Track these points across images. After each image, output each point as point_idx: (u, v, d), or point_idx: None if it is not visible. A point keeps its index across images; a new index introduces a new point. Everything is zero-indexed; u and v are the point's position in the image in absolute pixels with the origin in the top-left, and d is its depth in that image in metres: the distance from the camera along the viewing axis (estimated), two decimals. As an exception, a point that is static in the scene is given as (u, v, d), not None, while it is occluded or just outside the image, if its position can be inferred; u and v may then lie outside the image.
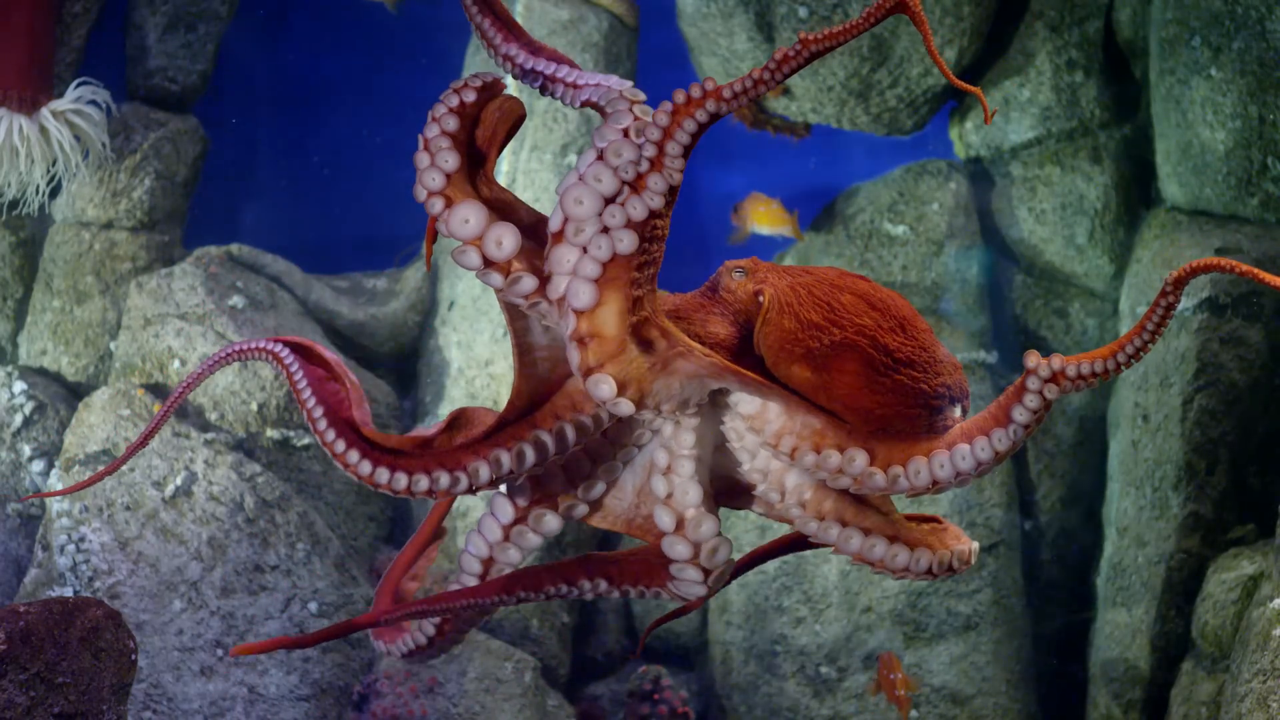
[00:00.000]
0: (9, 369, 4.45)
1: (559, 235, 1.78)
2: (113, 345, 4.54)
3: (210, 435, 4.23)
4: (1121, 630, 4.32)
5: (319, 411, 1.90)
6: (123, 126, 4.55)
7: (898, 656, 4.15)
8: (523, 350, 1.90)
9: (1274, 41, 4.12)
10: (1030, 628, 4.61)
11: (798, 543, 2.03)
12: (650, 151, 1.72)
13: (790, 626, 4.54)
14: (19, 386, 4.39)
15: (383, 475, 1.86)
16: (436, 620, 2.11)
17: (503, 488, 1.96)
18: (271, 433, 4.36)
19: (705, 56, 4.80)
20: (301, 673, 4.09)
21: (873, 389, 1.82)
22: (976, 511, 4.52)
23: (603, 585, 1.94)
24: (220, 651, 4.03)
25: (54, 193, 4.45)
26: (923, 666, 4.44)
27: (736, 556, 1.95)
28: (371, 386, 4.69)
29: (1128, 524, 4.36)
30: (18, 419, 4.35)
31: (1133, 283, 4.54)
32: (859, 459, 1.81)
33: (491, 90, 1.87)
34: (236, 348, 1.98)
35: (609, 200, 1.75)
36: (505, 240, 1.80)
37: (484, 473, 1.86)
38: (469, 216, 1.80)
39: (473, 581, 1.98)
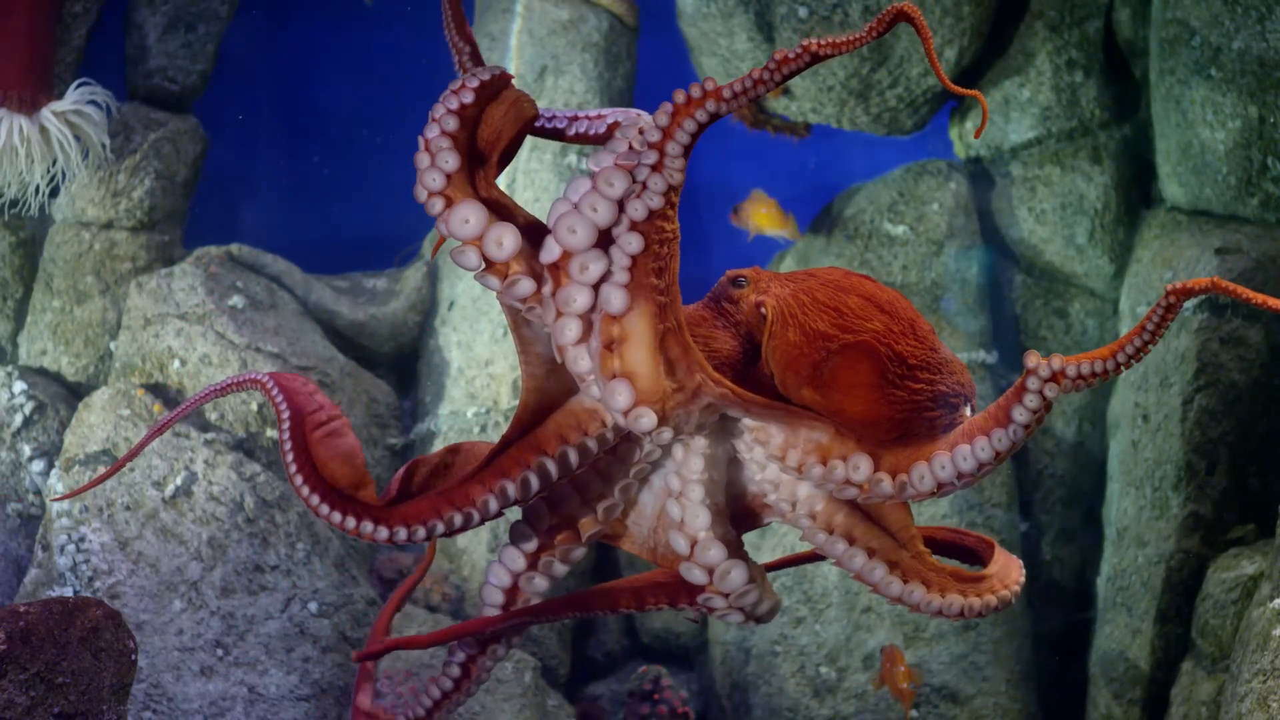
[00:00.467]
0: (9, 369, 4.45)
1: (567, 255, 1.77)
2: (113, 345, 4.54)
3: (210, 435, 4.23)
4: (1121, 630, 4.32)
5: (318, 500, 1.89)
6: (123, 126, 4.55)
7: (900, 650, 4.15)
8: (529, 362, 1.89)
9: (1274, 41, 4.12)
10: (1030, 628, 4.61)
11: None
12: (651, 158, 1.72)
13: (790, 626, 4.54)
14: (19, 386, 4.39)
15: (401, 533, 1.86)
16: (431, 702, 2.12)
17: (522, 515, 1.95)
18: (271, 433, 4.36)
19: (705, 56, 4.80)
20: (301, 673, 4.08)
21: (889, 399, 1.81)
22: (976, 512, 4.52)
23: (625, 610, 1.96)
24: (220, 651, 4.03)
25: (54, 193, 4.45)
26: (923, 666, 4.44)
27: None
28: (371, 386, 4.69)
29: (1128, 524, 4.36)
30: (18, 419, 4.35)
31: (1133, 283, 4.54)
32: (863, 467, 1.81)
33: (493, 87, 1.86)
34: (245, 379, 1.98)
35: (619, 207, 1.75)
36: (505, 240, 1.80)
37: (493, 505, 1.86)
38: (469, 216, 1.80)
39: (495, 613, 1.96)
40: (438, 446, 4.64)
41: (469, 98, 1.83)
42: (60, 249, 4.59)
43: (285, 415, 1.93)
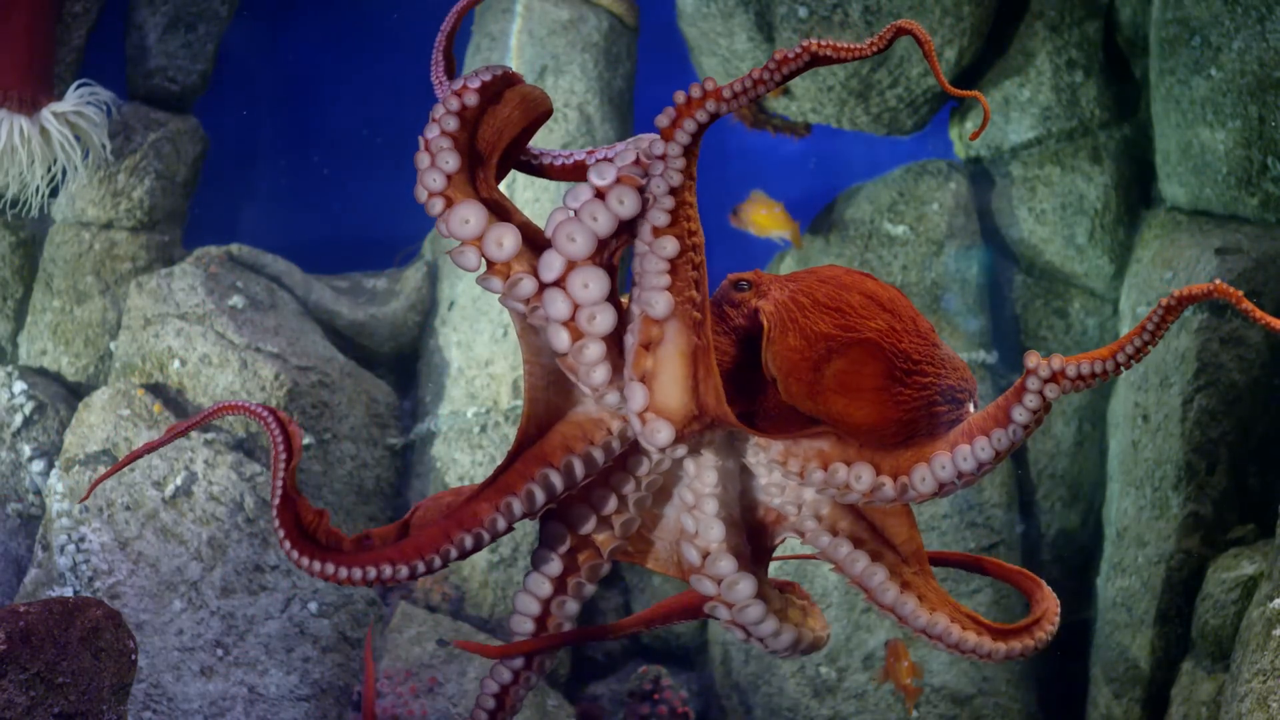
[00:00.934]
0: (9, 369, 4.45)
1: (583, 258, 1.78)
2: (113, 345, 4.54)
3: (210, 435, 4.23)
4: (1121, 630, 4.32)
5: (333, 568, 1.87)
6: (123, 126, 4.55)
7: (904, 644, 4.15)
8: (532, 374, 1.88)
9: (1274, 41, 4.12)
10: (1030, 628, 4.61)
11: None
12: (658, 168, 1.72)
13: (790, 626, 4.54)
14: (19, 386, 4.39)
15: (419, 566, 1.85)
16: None
17: (540, 540, 1.94)
18: (271, 433, 4.36)
19: (705, 56, 4.80)
20: (301, 673, 4.08)
21: (895, 398, 1.80)
22: (976, 512, 4.52)
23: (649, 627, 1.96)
24: (220, 651, 4.03)
25: (54, 193, 4.45)
26: (924, 666, 4.44)
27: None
28: (371, 386, 4.69)
29: (1128, 524, 4.36)
30: (18, 419, 4.35)
31: (1133, 283, 4.54)
32: (865, 471, 1.80)
33: (495, 88, 1.86)
34: (249, 408, 1.96)
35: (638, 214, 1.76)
36: (506, 241, 1.79)
37: (501, 522, 1.85)
38: (469, 217, 1.80)
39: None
40: (438, 446, 4.64)
41: (471, 99, 1.83)
42: (60, 249, 4.59)
43: (283, 456, 1.92)
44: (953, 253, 4.69)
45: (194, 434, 4.21)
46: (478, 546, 1.85)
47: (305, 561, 1.89)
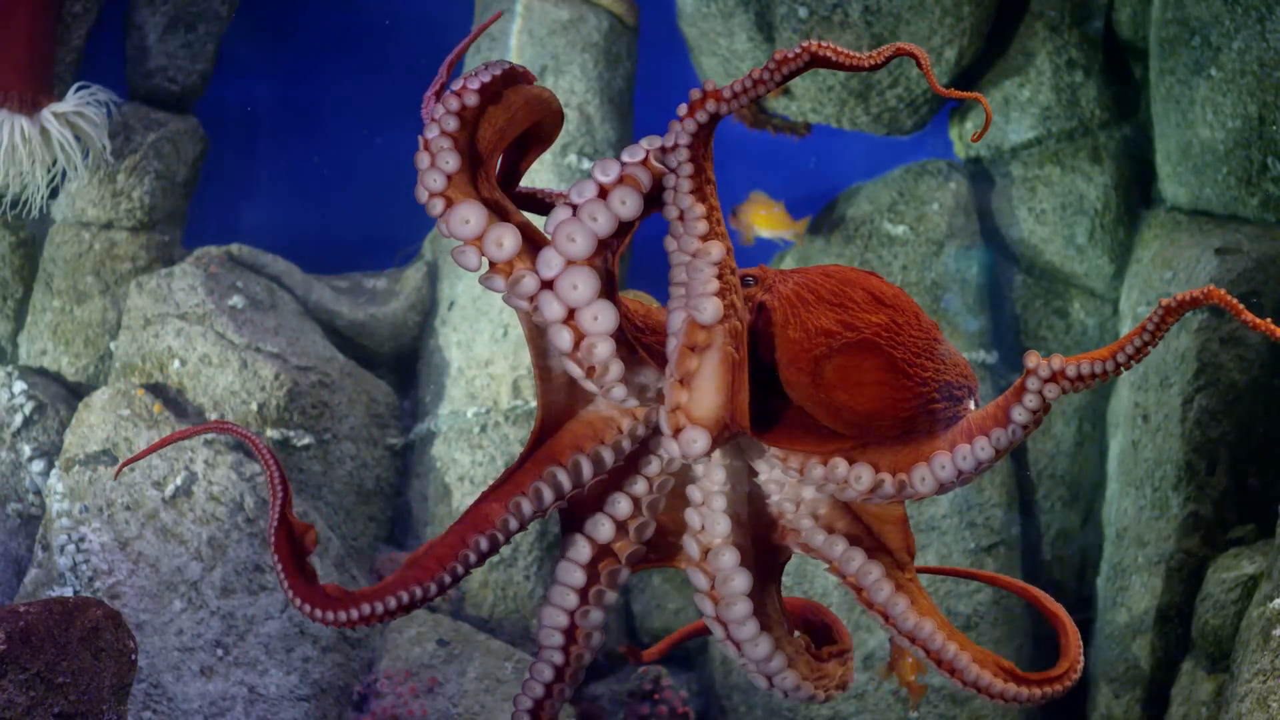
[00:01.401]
0: (9, 369, 4.45)
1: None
2: (113, 345, 4.54)
3: (211, 435, 4.23)
4: (1121, 630, 4.32)
5: (366, 610, 1.85)
6: (123, 126, 4.55)
7: None
8: (543, 371, 1.89)
9: (1274, 41, 4.12)
10: (1030, 628, 4.61)
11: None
12: (671, 181, 1.73)
13: (790, 626, 4.54)
14: (19, 386, 4.39)
15: (445, 578, 1.85)
16: None
17: (561, 550, 1.94)
18: (271, 433, 4.36)
19: (705, 56, 4.80)
20: (301, 673, 4.08)
21: (897, 391, 1.81)
22: (976, 511, 4.52)
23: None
24: (220, 651, 4.03)
25: (54, 193, 4.46)
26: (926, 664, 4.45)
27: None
28: (371, 386, 4.69)
29: (1128, 524, 4.36)
30: (18, 419, 4.35)
31: (1133, 283, 4.54)
32: (865, 469, 1.81)
33: (498, 86, 1.86)
34: (248, 437, 1.96)
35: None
36: (505, 241, 1.79)
37: (512, 523, 1.85)
38: (469, 217, 1.80)
39: (557, 656, 1.92)
40: (438, 446, 4.65)
41: (471, 99, 1.83)
42: (60, 249, 4.59)
43: (279, 490, 1.91)
44: (953, 253, 4.69)
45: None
46: (493, 548, 1.85)
47: (332, 615, 1.85)
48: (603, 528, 1.92)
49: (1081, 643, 2.00)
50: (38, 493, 4.33)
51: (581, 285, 1.75)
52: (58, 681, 2.49)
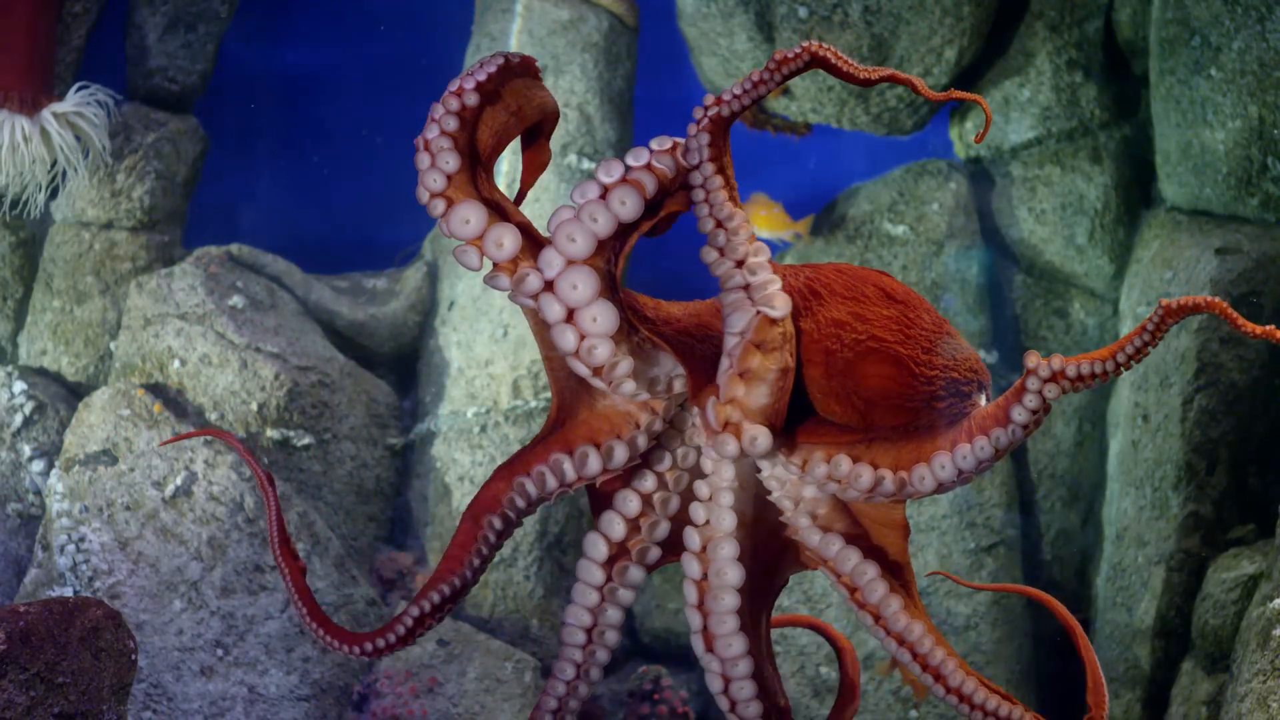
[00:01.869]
0: (9, 369, 4.45)
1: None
2: (113, 345, 4.54)
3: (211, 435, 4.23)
4: (1121, 630, 4.32)
5: (393, 637, 1.88)
6: (123, 126, 4.55)
7: None
8: (552, 365, 1.89)
9: (1274, 41, 4.12)
10: (1030, 628, 4.61)
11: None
12: (699, 195, 1.76)
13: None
14: (19, 386, 4.39)
15: (467, 573, 1.88)
16: None
17: (583, 549, 1.95)
18: (271, 433, 4.36)
19: (705, 56, 4.80)
20: (301, 673, 4.09)
21: (904, 388, 1.82)
22: (976, 511, 4.52)
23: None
24: (220, 651, 4.03)
25: (54, 193, 4.46)
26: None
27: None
28: (371, 386, 4.69)
29: (1128, 524, 4.36)
30: (18, 419, 4.35)
31: (1133, 283, 4.54)
32: (865, 471, 1.81)
33: (494, 84, 1.86)
34: (247, 454, 1.97)
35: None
36: (506, 241, 1.80)
37: (519, 502, 1.86)
38: (470, 217, 1.80)
39: (577, 654, 1.93)
40: (438, 446, 4.65)
41: (470, 99, 1.83)
42: (60, 249, 4.59)
43: (275, 516, 1.93)
44: (953, 253, 4.69)
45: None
46: (506, 526, 1.86)
47: (383, 641, 1.88)
48: (616, 526, 1.93)
49: (1106, 695, 1.99)
50: (38, 493, 4.33)
51: (581, 285, 1.75)
52: (58, 681, 2.49)
